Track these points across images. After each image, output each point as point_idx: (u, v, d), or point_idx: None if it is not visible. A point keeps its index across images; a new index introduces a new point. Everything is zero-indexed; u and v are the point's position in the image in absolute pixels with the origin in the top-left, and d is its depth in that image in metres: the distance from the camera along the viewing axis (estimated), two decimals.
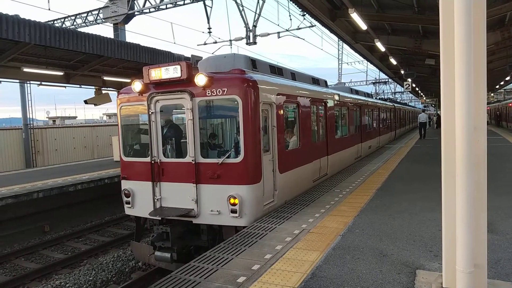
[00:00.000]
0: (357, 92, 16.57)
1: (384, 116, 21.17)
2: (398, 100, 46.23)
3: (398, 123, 27.38)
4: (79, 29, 20.04)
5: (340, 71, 52.26)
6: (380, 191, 8.43)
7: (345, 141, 12.30)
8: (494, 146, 16.37)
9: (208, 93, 6.37)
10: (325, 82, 12.12)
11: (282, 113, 7.44)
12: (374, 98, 22.64)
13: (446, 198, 3.33)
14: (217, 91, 6.31)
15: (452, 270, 3.29)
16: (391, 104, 25.32)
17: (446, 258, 3.44)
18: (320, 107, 10.06)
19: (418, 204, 7.05)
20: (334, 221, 6.17)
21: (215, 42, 15.75)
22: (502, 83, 33.80)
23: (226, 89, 6.27)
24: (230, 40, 15.60)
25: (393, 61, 15.18)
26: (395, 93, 49.24)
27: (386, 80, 35.55)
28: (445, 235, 3.46)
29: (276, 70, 8.61)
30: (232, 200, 6.21)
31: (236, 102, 6.27)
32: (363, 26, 10.99)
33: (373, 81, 37.92)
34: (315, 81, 11.15)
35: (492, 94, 50.25)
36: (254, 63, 7.68)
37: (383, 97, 31.32)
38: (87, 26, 22.15)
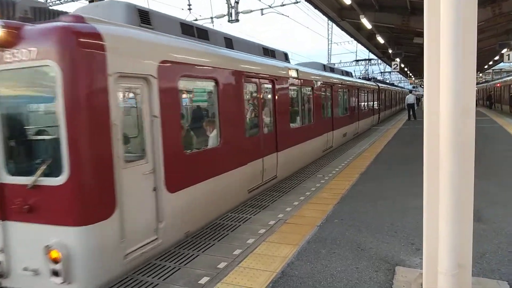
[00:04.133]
0: (332, 70, 14.15)
1: (365, 97, 18.74)
2: (387, 81, 45.78)
3: (382, 105, 25.16)
4: (53, 7, 18.93)
5: (329, 51, 51.53)
6: (364, 176, 8.10)
7: (306, 130, 9.78)
8: (480, 127, 16.20)
9: (9, 58, 3.66)
10: (285, 54, 9.55)
11: (176, 94, 4.79)
12: (356, 77, 21.16)
13: (428, 192, 2.95)
14: (24, 54, 3.60)
15: (433, 270, 2.93)
16: (374, 84, 22.89)
17: (427, 257, 3.08)
18: (264, 87, 7.47)
19: (402, 190, 6.73)
20: (313, 209, 5.81)
21: (196, 20, 15.00)
22: (491, 63, 33.61)
23: (36, 49, 3.56)
24: (212, 18, 14.89)
25: (380, 39, 14.70)
26: (383, 72, 48.62)
27: (371, 58, 33.99)
28: (426, 232, 3.10)
29: (195, 32, 5.91)
30: (53, 254, 3.53)
31: (53, 74, 3.53)
32: (347, 0, 10.40)
33: (356, 60, 36.08)
34: (269, 52, 8.51)
35: (480, 75, 50.28)
36: (145, 16, 4.98)
37: (366, 76, 29.01)
38: (61, 4, 21.01)
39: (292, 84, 8.79)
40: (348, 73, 16.72)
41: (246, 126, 6.60)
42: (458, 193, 2.72)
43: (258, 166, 6.92)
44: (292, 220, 5.33)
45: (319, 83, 10.82)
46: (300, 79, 9.25)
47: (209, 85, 5.82)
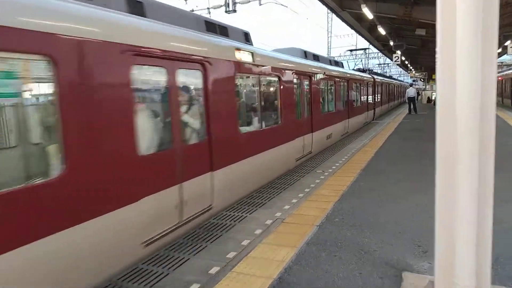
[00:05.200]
0: (316, 58, 11.72)
1: (358, 91, 16.36)
2: (387, 74, 45.16)
3: (379, 99, 22.77)
4: None
5: (329, 44, 50.99)
6: (365, 171, 7.81)
7: (269, 135, 7.23)
8: None
9: None
10: (245, 34, 7.15)
11: None
12: (350, 69, 19.32)
13: (441, 194, 2.63)
14: None
15: (447, 279, 2.64)
16: (369, 76, 20.25)
17: (439, 264, 2.77)
18: (183, 74, 4.75)
19: (405, 186, 6.44)
20: (312, 207, 5.51)
21: (192, 11, 14.59)
22: None
23: None
24: (208, 8, 14.48)
25: (381, 30, 14.30)
26: (380, 65, 47.63)
27: (366, 48, 32.26)
28: (438, 237, 2.79)
29: None
30: None
31: None
32: None
33: (351, 50, 33.73)
34: (216, 28, 6.11)
35: None
36: None
37: (361, 68, 26.52)
38: None
39: (243, 72, 6.36)
40: (338, 63, 14.74)
41: (140, 138, 3.90)
42: (478, 193, 2.43)
43: (168, 198, 4.30)
44: (290, 219, 5.03)
45: (291, 72, 8.29)
46: (258, 66, 6.73)
47: (35, 68, 3.22)
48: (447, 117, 2.50)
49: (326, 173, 7.74)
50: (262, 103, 7.26)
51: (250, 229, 4.73)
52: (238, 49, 6.17)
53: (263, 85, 7.45)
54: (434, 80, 33.35)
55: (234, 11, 13.49)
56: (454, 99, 2.38)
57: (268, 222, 4.96)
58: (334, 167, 8.29)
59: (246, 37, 7.18)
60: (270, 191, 6.55)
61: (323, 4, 11.88)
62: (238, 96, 6.09)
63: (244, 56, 6.26)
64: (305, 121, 9.26)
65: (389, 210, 5.27)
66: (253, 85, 7.02)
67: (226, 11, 13.67)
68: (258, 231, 4.63)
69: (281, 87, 7.82)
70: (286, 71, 8.07)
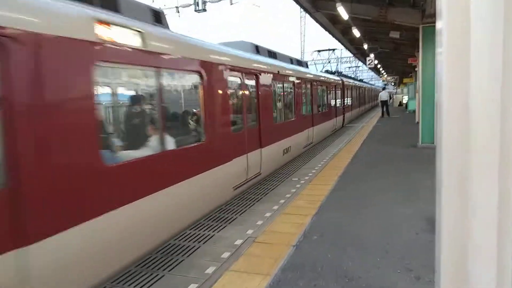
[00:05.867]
0: (272, 55, 9.53)
1: (324, 95, 14.48)
2: (359, 78, 45.52)
3: (349, 104, 21.15)
4: None
5: (302, 49, 51.06)
6: (343, 178, 7.34)
7: (179, 159, 4.72)
8: None
9: None
10: (154, 12, 4.98)
11: None
12: (317, 71, 18.02)
13: (445, 216, 2.10)
14: None
15: None
16: (337, 78, 18.40)
17: None
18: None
19: (387, 195, 6.00)
20: (288, 222, 4.94)
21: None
22: None
23: None
24: (177, 7, 13.77)
25: (356, 33, 14.08)
26: (351, 67, 47.76)
27: (335, 48, 31.33)
28: (443, 262, 2.27)
29: None
30: None
31: None
32: None
33: (318, 50, 32.03)
34: None
35: None
36: None
37: (329, 69, 23.70)
38: None
39: (118, 62, 3.89)
40: (301, 63, 12.86)
41: None
42: (498, 205, 1.92)
43: None
44: (263, 238, 4.43)
45: (224, 69, 5.96)
46: (156, 54, 4.32)
47: None
48: (454, 128, 1.98)
49: (302, 181, 7.21)
50: (168, 111, 4.98)
51: (216, 252, 4.09)
52: (104, 22, 3.58)
53: (170, 84, 5.06)
54: (405, 84, 33.86)
55: (204, 10, 12.85)
56: (467, 97, 1.86)
57: (238, 242, 4.33)
58: (310, 174, 7.79)
59: (156, 17, 4.96)
60: (242, 203, 5.93)
61: (297, 3, 11.46)
62: (105, 101, 3.87)
63: (117, 35, 3.72)
64: (249, 134, 6.88)
65: (372, 224, 4.78)
66: (147, 85, 4.64)
67: (195, 10, 13.02)
68: (225, 254, 4.00)
69: (206, 88, 5.32)
70: (215, 66, 5.71)
